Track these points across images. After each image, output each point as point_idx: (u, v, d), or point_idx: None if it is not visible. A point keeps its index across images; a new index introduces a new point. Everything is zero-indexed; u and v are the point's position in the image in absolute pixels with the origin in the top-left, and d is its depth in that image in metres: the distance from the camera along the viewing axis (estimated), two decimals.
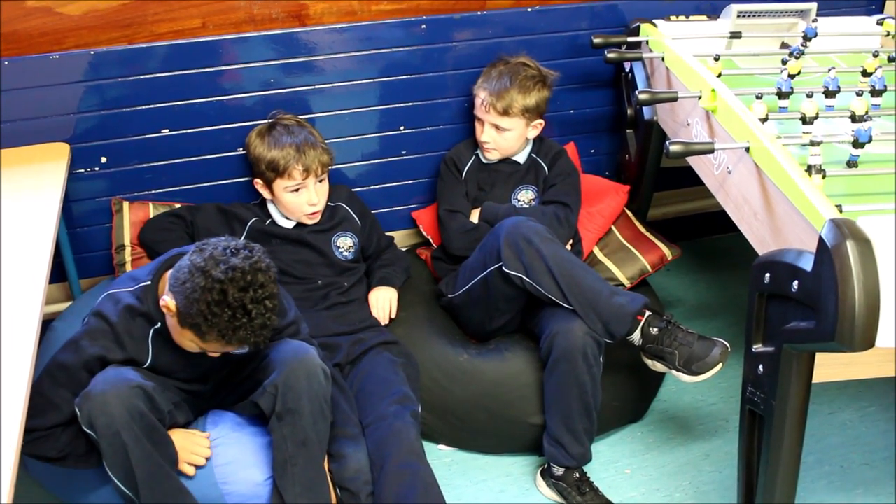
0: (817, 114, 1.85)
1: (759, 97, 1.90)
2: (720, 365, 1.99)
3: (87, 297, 2.32)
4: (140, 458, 1.71)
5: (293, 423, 1.82)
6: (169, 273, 1.76)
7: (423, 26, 2.47)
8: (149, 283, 1.83)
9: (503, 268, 2.11)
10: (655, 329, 2.05)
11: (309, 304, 2.27)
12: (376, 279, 2.42)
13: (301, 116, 2.41)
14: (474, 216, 2.47)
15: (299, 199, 2.27)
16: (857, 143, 1.74)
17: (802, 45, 2.29)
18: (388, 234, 2.59)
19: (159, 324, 1.82)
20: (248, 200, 2.43)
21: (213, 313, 1.64)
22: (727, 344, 2.01)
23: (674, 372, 2.04)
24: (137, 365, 1.83)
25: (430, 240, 2.63)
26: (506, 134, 2.43)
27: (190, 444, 1.88)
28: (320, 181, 2.29)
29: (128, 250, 2.35)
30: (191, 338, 1.73)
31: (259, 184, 2.32)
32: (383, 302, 2.37)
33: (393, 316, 2.36)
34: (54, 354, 1.83)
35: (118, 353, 1.80)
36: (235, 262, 1.65)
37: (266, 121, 2.38)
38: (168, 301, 1.72)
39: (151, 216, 2.36)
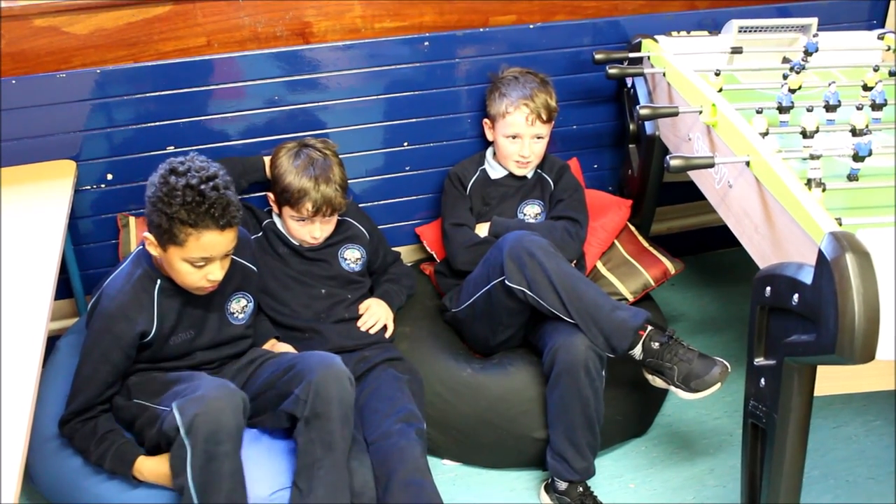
0: (818, 128, 1.86)
1: (759, 112, 1.91)
2: (718, 384, 1.99)
3: None
4: (229, 472, 1.73)
5: (321, 427, 1.83)
6: None
7: (427, 43, 2.49)
8: (140, 247, 1.94)
9: (506, 281, 2.11)
10: (656, 343, 2.05)
11: (311, 314, 2.28)
12: (379, 292, 2.42)
13: (306, 133, 2.42)
14: (479, 231, 2.47)
15: (302, 230, 2.28)
16: (857, 157, 1.75)
17: (803, 60, 2.30)
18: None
19: (159, 281, 1.90)
20: None
21: (168, 205, 1.77)
22: (727, 364, 2.01)
23: (672, 388, 2.04)
24: (146, 335, 1.90)
25: (434, 255, 2.64)
26: (542, 142, 2.46)
27: None
28: (328, 217, 2.29)
29: None
30: (178, 255, 1.83)
31: (271, 198, 2.32)
32: (374, 316, 2.34)
33: (388, 335, 2.34)
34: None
35: (129, 331, 1.87)
36: (174, 161, 1.84)
37: (297, 137, 2.37)
38: (146, 234, 1.87)
39: None
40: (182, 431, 1.69)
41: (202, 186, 1.79)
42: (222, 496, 1.72)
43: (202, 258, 1.84)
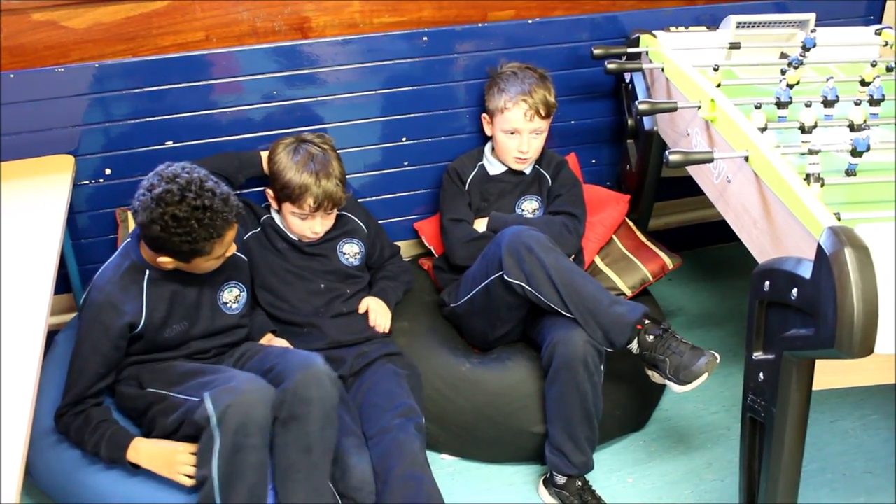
0: (816, 123, 1.86)
1: (757, 107, 1.92)
2: (706, 375, 1.98)
3: None
4: (254, 465, 1.74)
5: (297, 430, 1.83)
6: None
7: (425, 38, 2.49)
8: (129, 239, 1.97)
9: (504, 276, 2.12)
10: (651, 336, 2.05)
11: (310, 309, 2.28)
12: (376, 289, 2.42)
13: (304, 128, 2.42)
14: (477, 226, 2.48)
15: (303, 225, 2.28)
16: (855, 152, 1.75)
17: (801, 55, 2.30)
18: None
19: (148, 271, 1.92)
20: None
21: (189, 234, 1.80)
22: (716, 355, 2.01)
23: (666, 381, 2.04)
24: (135, 326, 1.91)
25: (433, 250, 2.64)
26: (541, 137, 2.46)
27: (174, 464, 1.84)
28: (329, 212, 2.29)
29: None
30: (201, 262, 1.90)
31: (270, 194, 2.32)
32: (382, 316, 2.34)
33: (387, 330, 2.35)
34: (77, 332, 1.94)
35: (118, 320, 1.89)
36: (161, 196, 1.80)
37: (295, 132, 2.37)
38: (161, 259, 1.88)
39: None
40: (213, 421, 1.71)
41: (205, 201, 1.82)
42: (245, 490, 1.74)
43: (222, 253, 1.93)
